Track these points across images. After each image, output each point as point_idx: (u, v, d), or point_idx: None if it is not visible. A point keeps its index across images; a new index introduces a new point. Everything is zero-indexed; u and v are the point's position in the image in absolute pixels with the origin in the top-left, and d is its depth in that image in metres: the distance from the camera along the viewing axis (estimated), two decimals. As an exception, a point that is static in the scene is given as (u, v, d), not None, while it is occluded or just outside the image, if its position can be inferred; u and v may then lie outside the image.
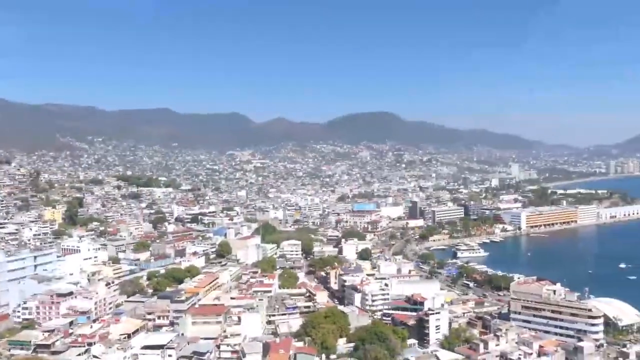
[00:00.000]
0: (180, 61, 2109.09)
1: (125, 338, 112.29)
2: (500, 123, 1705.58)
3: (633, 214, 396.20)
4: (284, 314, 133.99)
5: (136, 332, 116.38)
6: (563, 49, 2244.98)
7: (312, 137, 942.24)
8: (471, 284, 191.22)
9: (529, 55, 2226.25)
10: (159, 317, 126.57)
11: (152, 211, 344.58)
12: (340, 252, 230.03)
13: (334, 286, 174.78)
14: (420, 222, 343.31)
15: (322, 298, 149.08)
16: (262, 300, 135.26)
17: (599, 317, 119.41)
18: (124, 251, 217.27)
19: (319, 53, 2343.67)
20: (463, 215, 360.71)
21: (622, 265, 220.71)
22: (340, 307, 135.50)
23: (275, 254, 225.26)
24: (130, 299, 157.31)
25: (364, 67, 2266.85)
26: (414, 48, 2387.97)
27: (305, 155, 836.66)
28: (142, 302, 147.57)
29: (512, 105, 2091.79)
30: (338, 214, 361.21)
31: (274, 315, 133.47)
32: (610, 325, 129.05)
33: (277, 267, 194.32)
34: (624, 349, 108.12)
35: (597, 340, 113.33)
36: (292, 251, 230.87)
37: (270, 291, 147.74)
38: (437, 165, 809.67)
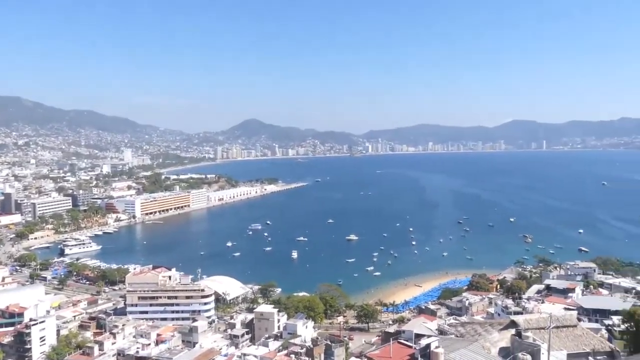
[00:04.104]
0: None
1: None
2: (108, 104, 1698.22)
3: (238, 195, 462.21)
4: None
5: None
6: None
7: None
8: (84, 282, 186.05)
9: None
10: None
11: None
12: None
13: None
14: (17, 218, 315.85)
15: None
16: None
17: (211, 295, 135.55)
18: None
19: None
20: (71, 207, 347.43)
21: (229, 244, 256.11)
22: None
23: None
24: None
25: None
26: None
27: None
28: None
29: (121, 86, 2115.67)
30: None
31: None
32: (220, 300, 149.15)
33: None
34: (231, 320, 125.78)
35: (209, 317, 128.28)
36: None
37: None
38: (36, 149, 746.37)
